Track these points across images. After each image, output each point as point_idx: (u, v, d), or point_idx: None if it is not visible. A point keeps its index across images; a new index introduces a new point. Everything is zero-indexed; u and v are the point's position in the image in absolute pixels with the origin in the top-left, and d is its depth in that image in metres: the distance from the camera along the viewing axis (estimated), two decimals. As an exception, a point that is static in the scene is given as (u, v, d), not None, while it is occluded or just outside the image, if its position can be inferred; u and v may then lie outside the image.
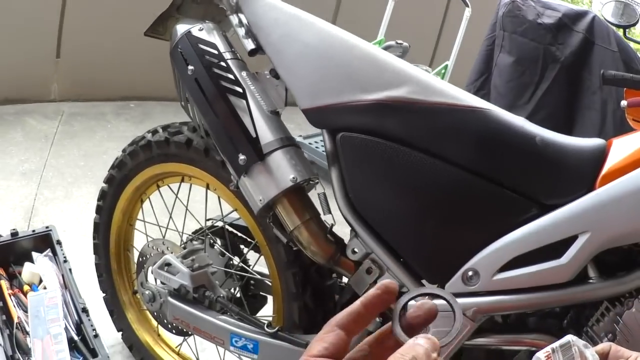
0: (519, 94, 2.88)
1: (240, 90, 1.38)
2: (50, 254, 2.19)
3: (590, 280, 1.18)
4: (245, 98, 1.37)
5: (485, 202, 1.25)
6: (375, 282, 1.34)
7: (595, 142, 1.23)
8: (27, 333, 1.86)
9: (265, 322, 1.52)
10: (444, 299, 0.62)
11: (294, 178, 1.33)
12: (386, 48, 3.61)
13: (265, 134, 1.36)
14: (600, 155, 1.20)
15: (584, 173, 1.19)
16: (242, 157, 1.35)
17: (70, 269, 2.09)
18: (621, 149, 1.20)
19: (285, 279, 1.53)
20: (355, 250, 1.35)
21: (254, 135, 1.35)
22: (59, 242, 2.20)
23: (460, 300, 1.25)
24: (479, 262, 1.24)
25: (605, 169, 1.17)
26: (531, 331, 1.30)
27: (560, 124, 2.86)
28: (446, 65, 3.81)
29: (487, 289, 1.24)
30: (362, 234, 1.32)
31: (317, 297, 1.54)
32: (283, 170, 1.34)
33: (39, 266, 2.12)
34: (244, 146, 1.35)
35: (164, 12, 1.62)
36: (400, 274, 1.32)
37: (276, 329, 1.50)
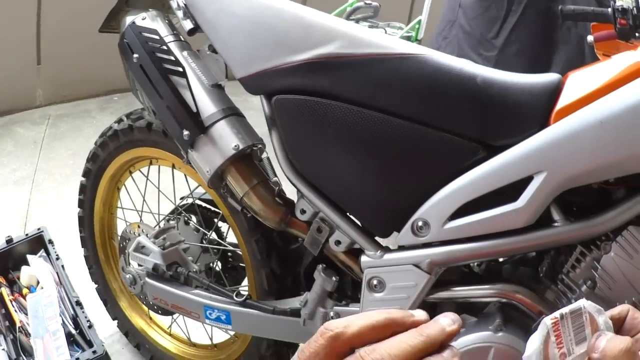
0: (485, 29, 2.73)
1: (180, 69, 1.41)
2: (44, 254, 2.24)
3: (555, 224, 1.13)
4: (186, 76, 1.40)
5: (427, 149, 1.20)
6: (327, 240, 1.35)
7: (549, 77, 1.15)
8: (30, 334, 1.90)
9: (235, 291, 1.56)
10: None
11: (236, 146, 1.35)
12: (355, 10, 3.60)
13: (206, 108, 1.39)
14: (554, 90, 1.12)
15: (536, 110, 1.12)
16: (185, 132, 1.39)
17: (62, 266, 2.13)
18: (577, 82, 1.12)
19: (250, 247, 1.56)
20: (304, 210, 1.35)
21: (195, 110, 1.38)
22: (50, 242, 2.24)
23: (413, 253, 1.23)
24: (427, 212, 1.20)
25: (559, 104, 1.10)
26: (503, 281, 1.25)
27: (535, 59, 2.74)
28: (419, 21, 3.74)
29: (440, 239, 1.21)
30: (307, 194, 1.32)
31: (283, 262, 1.58)
32: (225, 140, 1.37)
33: (34, 268, 2.17)
34: (186, 122, 1.39)
35: (114, 7, 1.64)
36: (350, 230, 1.31)
37: (244, 297, 1.53)
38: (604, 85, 1.07)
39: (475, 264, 1.36)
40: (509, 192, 1.12)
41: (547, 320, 0.60)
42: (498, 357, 1.20)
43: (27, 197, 3.18)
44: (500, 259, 1.35)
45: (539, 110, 1.12)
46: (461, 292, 1.28)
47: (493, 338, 1.20)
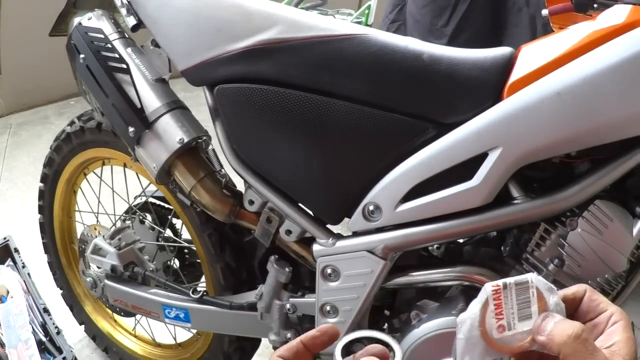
0: (435, 17, 2.68)
1: (124, 66, 1.39)
2: (11, 263, 2.21)
3: (515, 201, 1.10)
4: (130, 73, 1.38)
5: (374, 131, 1.16)
6: (277, 231, 1.33)
7: (500, 50, 1.12)
8: (5, 345, 1.87)
9: (191, 289, 1.54)
10: (384, 343, 0.60)
11: (181, 139, 1.34)
12: (303, -2, 3.59)
13: (150, 103, 1.37)
14: (507, 63, 1.09)
15: (488, 84, 1.09)
16: (131, 129, 1.37)
17: (29, 274, 2.10)
18: (531, 54, 1.09)
19: (203, 242, 1.55)
20: (252, 200, 1.33)
21: (139, 106, 1.36)
22: (16, 250, 2.20)
23: (366, 238, 1.21)
24: (377, 195, 1.17)
25: (512, 78, 1.07)
26: (464, 263, 1.24)
27: (487, 44, 2.74)
28: (369, 6, 3.69)
29: (393, 223, 1.18)
30: (254, 184, 1.30)
31: (237, 255, 1.56)
32: (170, 134, 1.35)
33: (3, 278, 2.13)
34: (131, 118, 1.37)
35: (62, 10, 1.63)
36: (300, 218, 1.29)
37: (200, 293, 1.51)
38: (561, 56, 1.04)
39: (435, 246, 1.35)
40: (463, 170, 1.09)
41: (488, 287, 0.58)
42: (463, 342, 1.19)
43: (-7, 208, 3.15)
44: (460, 241, 1.34)
45: (490, 84, 1.09)
46: (420, 276, 1.26)
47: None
